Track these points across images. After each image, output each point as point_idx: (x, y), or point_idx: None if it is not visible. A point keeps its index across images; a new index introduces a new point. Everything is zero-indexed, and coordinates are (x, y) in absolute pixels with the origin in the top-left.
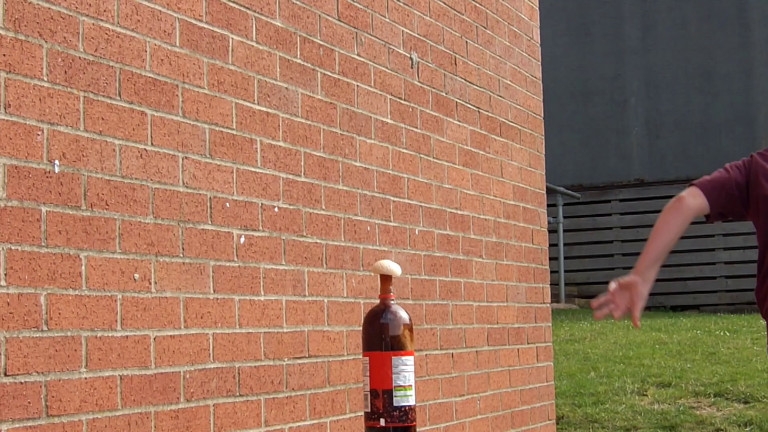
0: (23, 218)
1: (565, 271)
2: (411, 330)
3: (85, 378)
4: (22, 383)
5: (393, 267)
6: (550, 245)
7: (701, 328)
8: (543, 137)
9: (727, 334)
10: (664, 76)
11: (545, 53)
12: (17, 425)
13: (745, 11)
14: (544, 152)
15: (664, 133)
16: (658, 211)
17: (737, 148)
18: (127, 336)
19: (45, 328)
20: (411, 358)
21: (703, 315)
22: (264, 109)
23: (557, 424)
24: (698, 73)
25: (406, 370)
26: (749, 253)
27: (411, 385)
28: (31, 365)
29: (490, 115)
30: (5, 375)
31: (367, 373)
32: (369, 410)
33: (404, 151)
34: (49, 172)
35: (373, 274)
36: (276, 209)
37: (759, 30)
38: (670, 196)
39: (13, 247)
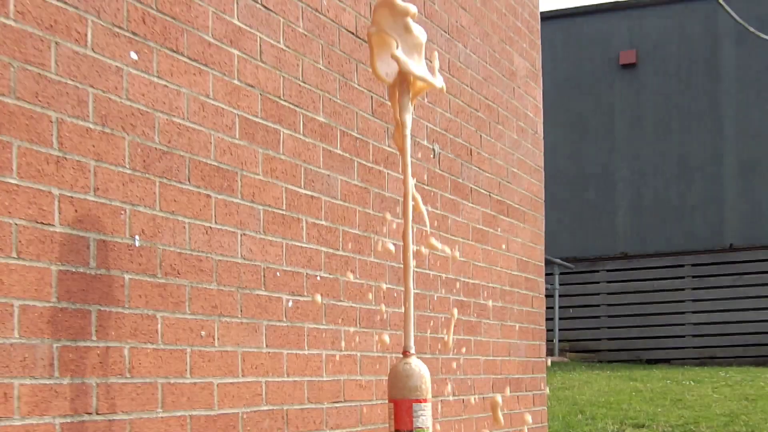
0: (110, 284)
1: (559, 330)
2: (429, 380)
3: (161, 417)
4: (110, 421)
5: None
6: (547, 308)
7: (671, 378)
8: (543, 218)
9: (692, 383)
10: (647, 165)
11: (546, 141)
12: None
13: (717, 109)
14: (544, 230)
15: (645, 213)
16: (640, 280)
17: (707, 227)
18: (195, 383)
19: (128, 375)
20: (428, 404)
21: (672, 367)
22: (309, 192)
23: None
24: (676, 162)
25: (423, 414)
26: (713, 315)
27: (428, 427)
28: (118, 406)
29: (500, 198)
30: (96, 414)
31: (392, 416)
32: None
33: (426, 229)
34: (131, 245)
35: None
36: (318, 278)
37: (728, 126)
38: (651, 268)
39: (101, 308)
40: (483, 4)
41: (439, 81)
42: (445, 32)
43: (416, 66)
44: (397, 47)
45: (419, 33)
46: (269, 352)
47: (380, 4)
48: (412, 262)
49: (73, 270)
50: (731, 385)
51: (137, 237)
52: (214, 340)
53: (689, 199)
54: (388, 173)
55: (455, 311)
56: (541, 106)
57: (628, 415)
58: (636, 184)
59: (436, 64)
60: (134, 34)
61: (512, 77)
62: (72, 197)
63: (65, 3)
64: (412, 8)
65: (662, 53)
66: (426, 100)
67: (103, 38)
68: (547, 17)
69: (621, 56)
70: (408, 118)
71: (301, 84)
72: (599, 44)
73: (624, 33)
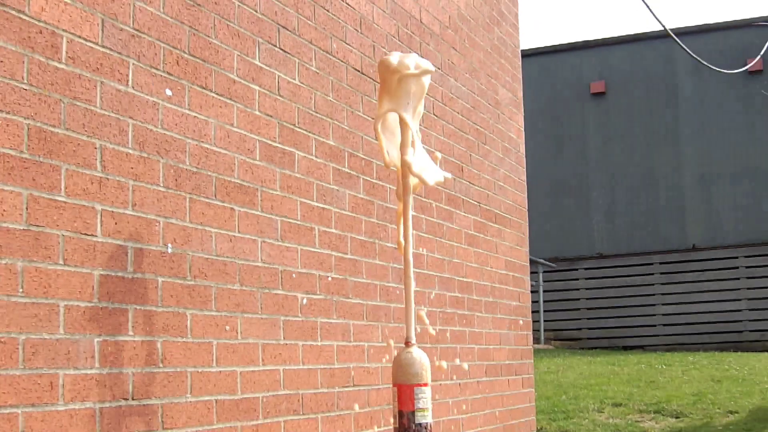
0: (145, 286)
1: (544, 321)
2: (428, 367)
3: (190, 401)
4: (145, 405)
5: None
6: (533, 302)
7: (645, 362)
8: (527, 224)
9: (664, 367)
10: (618, 176)
11: (529, 158)
12: None
13: (677, 130)
14: (527, 234)
15: (618, 219)
16: (615, 277)
17: (672, 230)
18: (220, 371)
19: (161, 365)
20: (428, 387)
21: (646, 353)
22: (321, 205)
23: None
24: (643, 174)
25: (424, 397)
26: (680, 307)
27: (428, 408)
28: (152, 392)
29: (488, 208)
30: (132, 399)
31: (396, 399)
32: (397, 426)
33: (424, 234)
34: (164, 252)
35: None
36: (329, 278)
37: (686, 144)
38: (624, 266)
39: (137, 307)
40: (471, 45)
41: (435, 178)
42: (439, 69)
43: (419, 164)
44: (407, 147)
45: (424, 81)
46: (286, 344)
47: (381, 90)
48: (411, 263)
49: (113, 274)
50: (699, 368)
51: (170, 245)
52: (237, 333)
53: (655, 205)
54: (389, 188)
55: None
56: (522, 129)
57: (607, 396)
58: (608, 193)
59: (439, 161)
60: (169, 74)
61: (497, 105)
62: (113, 212)
63: (110, 49)
64: (406, 61)
65: (628, 83)
66: (422, 125)
67: (142, 78)
68: (529, 54)
69: (592, 86)
70: (410, 200)
71: (314, 114)
72: (573, 76)
73: (594, 66)
